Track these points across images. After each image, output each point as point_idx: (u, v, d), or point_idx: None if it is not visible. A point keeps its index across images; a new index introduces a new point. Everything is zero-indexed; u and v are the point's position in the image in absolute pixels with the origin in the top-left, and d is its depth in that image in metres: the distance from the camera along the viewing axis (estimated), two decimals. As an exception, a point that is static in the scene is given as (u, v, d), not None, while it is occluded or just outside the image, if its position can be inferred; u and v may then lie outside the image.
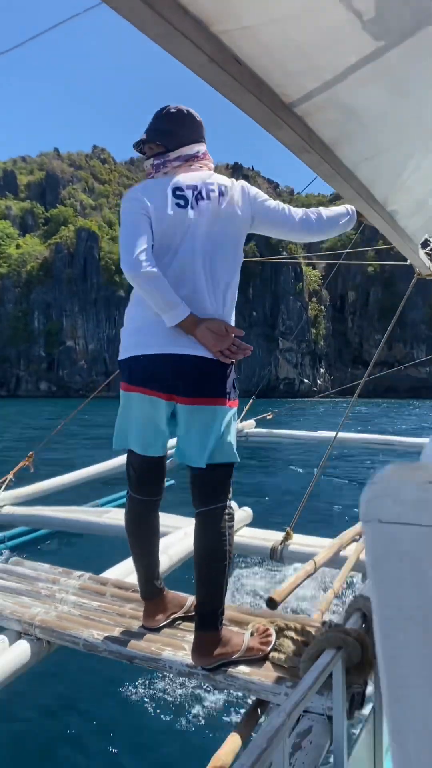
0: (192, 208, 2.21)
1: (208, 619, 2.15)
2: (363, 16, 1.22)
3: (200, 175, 2.27)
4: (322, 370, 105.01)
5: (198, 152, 2.32)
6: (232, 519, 2.24)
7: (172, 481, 8.77)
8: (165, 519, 3.74)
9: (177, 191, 2.22)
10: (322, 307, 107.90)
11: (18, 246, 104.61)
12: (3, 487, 4.69)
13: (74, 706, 3.20)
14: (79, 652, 2.44)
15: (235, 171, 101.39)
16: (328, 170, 1.85)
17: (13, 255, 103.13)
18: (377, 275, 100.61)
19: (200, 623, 2.16)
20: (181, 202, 2.21)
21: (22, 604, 2.67)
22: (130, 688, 3.22)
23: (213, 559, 2.15)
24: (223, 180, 2.31)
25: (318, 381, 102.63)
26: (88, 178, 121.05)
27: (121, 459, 5.94)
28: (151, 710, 3.09)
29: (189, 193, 2.23)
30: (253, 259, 5.96)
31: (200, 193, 2.23)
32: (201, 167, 2.32)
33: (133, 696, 3.18)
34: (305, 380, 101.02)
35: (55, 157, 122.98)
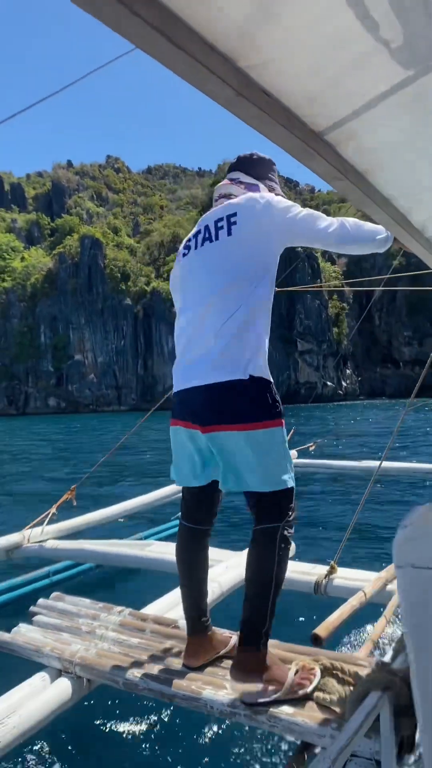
0: (196, 248, 2.28)
1: (251, 637, 2.11)
2: (391, 44, 1.21)
3: (219, 210, 2.29)
4: (348, 371, 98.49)
5: (237, 179, 2.37)
6: (286, 542, 2.18)
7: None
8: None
9: (187, 240, 2.39)
10: (345, 305, 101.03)
11: (23, 259, 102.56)
12: (46, 521, 4.73)
13: (113, 745, 3.12)
14: (120, 690, 2.40)
15: None
16: (361, 197, 1.84)
17: (18, 268, 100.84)
18: (403, 269, 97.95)
19: (242, 640, 2.11)
20: (185, 251, 2.35)
21: (62, 641, 2.65)
22: (170, 727, 3.14)
23: (258, 577, 2.12)
24: (236, 203, 2.27)
25: (344, 383, 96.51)
26: (101, 188, 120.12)
27: (163, 491, 5.93)
28: (192, 751, 3.00)
29: (196, 238, 2.32)
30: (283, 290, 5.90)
31: (208, 231, 2.27)
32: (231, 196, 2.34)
33: (174, 736, 3.10)
34: (329, 383, 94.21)
35: (65, 168, 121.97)
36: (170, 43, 1.02)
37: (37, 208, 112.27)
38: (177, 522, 7.89)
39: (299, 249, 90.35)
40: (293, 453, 7.91)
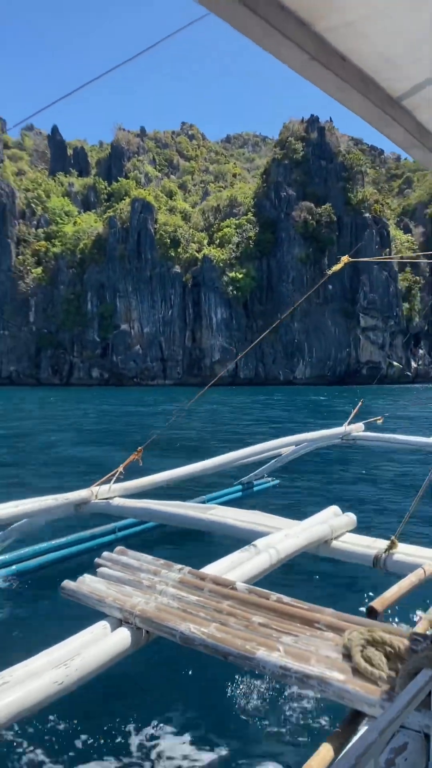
0: None
1: None
2: None
3: None
4: (421, 351, 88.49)
5: None
6: None
7: (277, 481, 8.78)
8: (266, 519, 3.75)
9: None
10: (419, 278, 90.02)
11: (75, 224, 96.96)
12: (114, 480, 4.89)
13: (166, 695, 3.27)
14: (176, 644, 2.49)
15: (311, 125, 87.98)
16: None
17: (68, 233, 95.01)
18: None
19: None
20: None
21: (124, 592, 2.77)
22: (223, 684, 3.25)
23: None
24: None
25: (414, 364, 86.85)
26: (173, 155, 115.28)
27: (223, 458, 6.01)
28: (243, 709, 3.10)
29: None
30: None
31: None
32: None
33: (226, 693, 3.21)
34: (395, 363, 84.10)
35: (137, 135, 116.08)
36: (245, 6, 1.01)
37: (99, 173, 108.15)
38: (239, 487, 7.97)
39: (366, 214, 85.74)
40: (360, 425, 7.81)
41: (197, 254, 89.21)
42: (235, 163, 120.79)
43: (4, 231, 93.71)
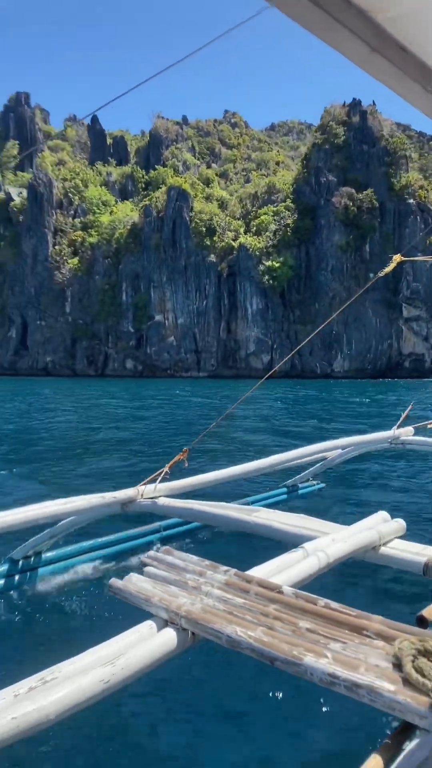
0: None
1: None
2: None
3: None
4: None
5: None
6: None
7: (322, 485, 8.69)
8: (312, 523, 3.70)
9: None
10: None
11: (112, 213, 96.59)
12: (159, 479, 4.92)
13: (211, 698, 3.26)
14: (222, 646, 2.48)
15: (353, 108, 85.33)
16: None
17: (105, 222, 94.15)
18: None
19: None
20: None
21: (170, 593, 2.77)
22: (269, 689, 3.22)
23: None
24: None
25: None
26: (215, 144, 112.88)
27: (268, 460, 5.97)
28: (289, 716, 3.07)
29: None
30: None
31: None
32: None
33: (272, 698, 3.18)
34: None
35: (176, 123, 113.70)
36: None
37: (138, 162, 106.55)
38: (283, 490, 7.93)
39: (411, 200, 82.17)
40: (409, 429, 7.65)
41: (233, 243, 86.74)
42: (278, 151, 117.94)
43: (42, 221, 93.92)
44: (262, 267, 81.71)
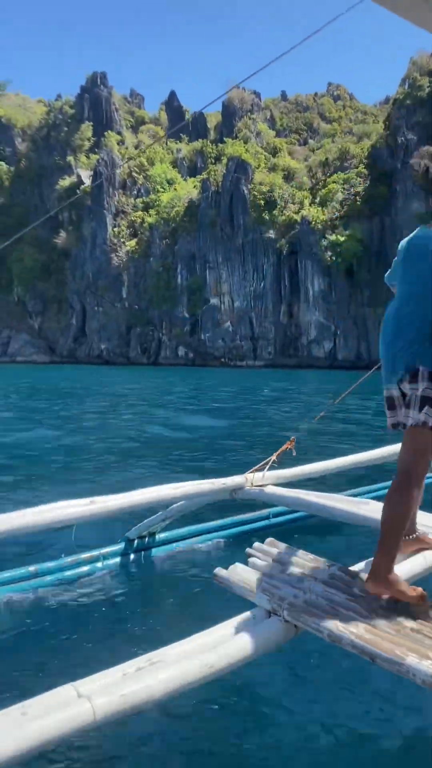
0: None
1: None
2: None
3: None
4: None
5: None
6: None
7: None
8: (425, 519, 3.62)
9: None
10: None
11: (176, 191, 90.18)
12: (267, 468, 5.01)
13: (310, 692, 3.32)
14: (323, 641, 2.53)
15: None
16: None
17: (164, 201, 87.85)
18: None
19: None
20: None
21: (273, 585, 2.86)
22: (369, 687, 3.24)
23: None
24: None
25: None
26: (313, 118, 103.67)
27: (380, 451, 5.87)
28: (388, 717, 3.07)
29: None
30: None
31: None
32: None
33: (372, 697, 3.20)
34: None
35: (253, 93, 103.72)
36: None
37: (213, 138, 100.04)
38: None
39: None
40: None
41: (295, 216, 76.86)
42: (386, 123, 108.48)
43: (101, 202, 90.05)
44: (324, 242, 71.49)
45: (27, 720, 2.00)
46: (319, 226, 72.65)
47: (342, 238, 70.15)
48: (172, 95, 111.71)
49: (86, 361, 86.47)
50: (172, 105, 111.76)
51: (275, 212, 77.74)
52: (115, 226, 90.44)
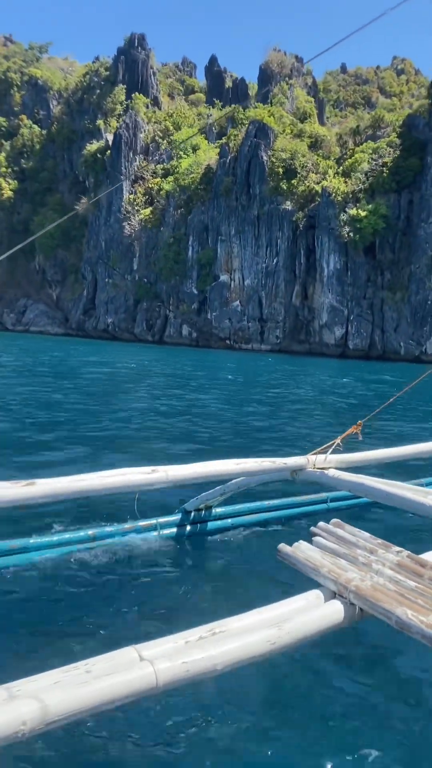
0: None
1: None
2: None
3: None
4: None
5: None
6: None
7: None
8: None
9: None
10: None
11: (197, 156, 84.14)
12: (330, 450, 4.92)
13: (373, 678, 3.26)
14: (388, 626, 2.45)
15: None
16: None
17: (182, 167, 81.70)
18: None
19: None
20: None
21: (339, 566, 2.81)
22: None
23: None
24: None
25: None
26: (372, 92, 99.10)
27: None
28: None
29: None
30: None
31: None
32: None
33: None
34: None
35: (294, 56, 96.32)
36: None
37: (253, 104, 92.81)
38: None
39: None
40: None
41: (315, 186, 69.71)
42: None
43: (118, 167, 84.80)
44: (344, 216, 64.97)
45: (92, 677, 2.01)
46: (339, 198, 66.34)
47: (363, 213, 63.82)
48: (213, 60, 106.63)
49: (95, 335, 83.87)
50: (212, 70, 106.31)
51: (294, 182, 71.14)
52: (131, 193, 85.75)
